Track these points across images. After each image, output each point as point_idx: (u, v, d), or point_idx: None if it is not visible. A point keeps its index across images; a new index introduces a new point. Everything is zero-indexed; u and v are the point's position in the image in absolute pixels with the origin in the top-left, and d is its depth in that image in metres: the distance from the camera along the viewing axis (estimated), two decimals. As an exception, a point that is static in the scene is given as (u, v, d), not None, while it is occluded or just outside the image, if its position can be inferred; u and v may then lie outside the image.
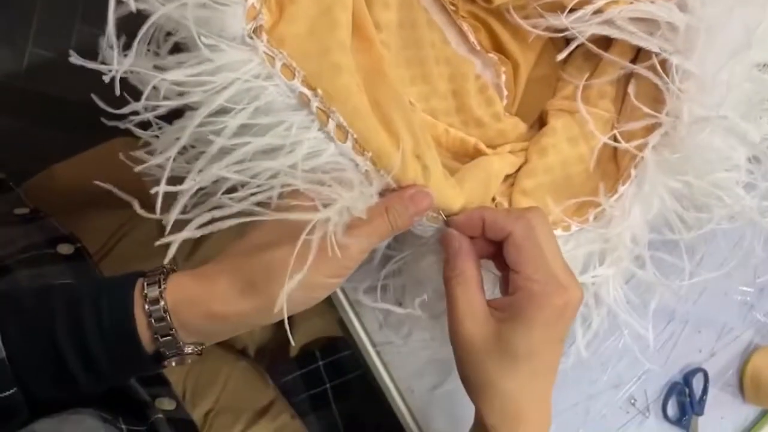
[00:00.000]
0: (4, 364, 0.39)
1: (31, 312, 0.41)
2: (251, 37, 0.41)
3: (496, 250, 0.48)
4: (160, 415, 0.50)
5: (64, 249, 0.61)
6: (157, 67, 0.41)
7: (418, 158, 0.46)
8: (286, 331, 0.70)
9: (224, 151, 0.42)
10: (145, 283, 0.43)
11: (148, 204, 0.74)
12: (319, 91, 0.42)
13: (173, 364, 0.44)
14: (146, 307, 0.41)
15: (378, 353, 0.59)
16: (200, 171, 0.42)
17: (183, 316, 0.42)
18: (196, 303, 0.42)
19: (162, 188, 0.42)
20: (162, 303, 0.42)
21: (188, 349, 0.43)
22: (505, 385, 0.46)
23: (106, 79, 0.41)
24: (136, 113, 0.42)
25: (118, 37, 0.40)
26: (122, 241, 0.73)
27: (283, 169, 0.43)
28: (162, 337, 0.42)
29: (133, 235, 0.74)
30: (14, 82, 1.26)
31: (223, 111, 0.41)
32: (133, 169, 0.77)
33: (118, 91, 0.41)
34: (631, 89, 0.52)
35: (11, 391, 0.40)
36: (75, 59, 0.41)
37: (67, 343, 0.40)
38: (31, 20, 1.25)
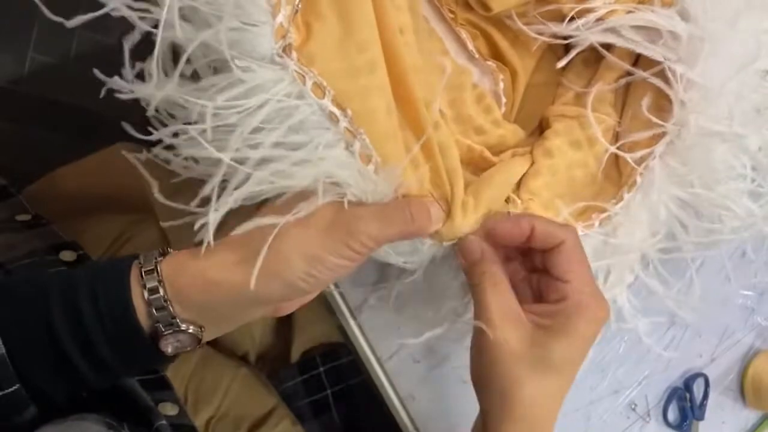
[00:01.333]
0: (4, 360, 0.39)
1: (27, 303, 0.40)
2: (281, 56, 0.41)
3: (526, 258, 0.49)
4: (164, 422, 0.50)
5: (67, 256, 0.61)
6: (195, 92, 0.41)
7: (436, 187, 0.47)
8: (287, 336, 0.70)
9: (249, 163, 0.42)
10: (142, 257, 0.42)
11: (150, 208, 0.74)
12: (349, 112, 0.43)
13: (169, 348, 0.42)
14: (142, 279, 0.41)
15: (379, 360, 0.59)
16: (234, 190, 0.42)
17: (177, 284, 0.41)
18: (192, 269, 0.41)
19: (211, 217, 0.41)
20: (157, 274, 0.41)
21: (185, 327, 0.42)
22: (533, 392, 0.45)
23: (146, 106, 0.41)
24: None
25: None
26: (125, 247, 0.73)
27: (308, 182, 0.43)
28: (157, 310, 0.40)
29: (135, 241, 0.74)
30: (15, 88, 1.26)
31: (255, 129, 0.41)
32: (133, 174, 0.77)
33: (152, 113, 0.41)
34: (643, 101, 0.52)
35: (14, 387, 0.39)
36: (102, 76, 0.41)
37: (64, 327, 0.39)
38: (32, 26, 1.25)
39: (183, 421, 0.55)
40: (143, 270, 0.41)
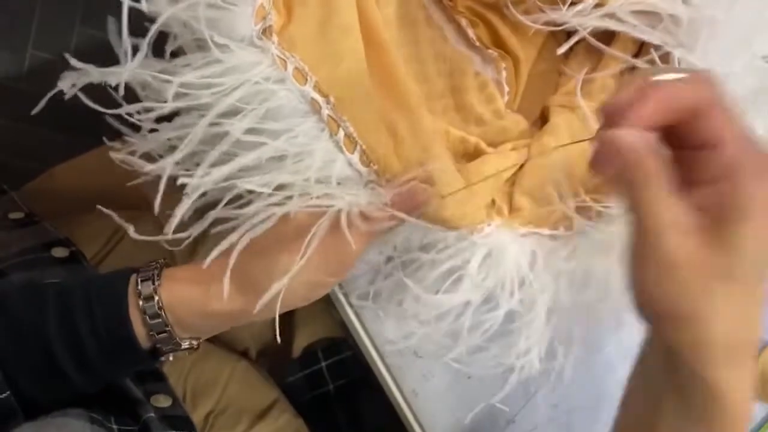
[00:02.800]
0: None
1: (21, 317, 0.41)
2: (260, 38, 0.40)
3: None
4: (152, 414, 0.50)
5: (59, 252, 0.61)
6: (163, 71, 0.41)
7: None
8: (287, 331, 0.70)
9: (230, 154, 0.42)
10: (139, 279, 0.43)
11: (146, 204, 0.74)
12: (332, 99, 0.42)
13: (170, 358, 0.44)
14: (140, 304, 0.41)
15: (381, 356, 0.59)
16: (208, 172, 0.41)
17: (178, 313, 0.42)
18: (192, 301, 0.43)
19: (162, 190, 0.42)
20: (156, 300, 0.42)
21: (185, 344, 0.44)
22: (733, 312, 0.33)
23: (112, 82, 0.41)
24: (127, 114, 0.42)
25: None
26: (121, 243, 0.73)
27: (297, 182, 0.43)
28: (158, 333, 0.42)
29: (131, 238, 0.73)
30: (14, 85, 1.26)
31: (230, 113, 0.41)
32: (132, 171, 0.77)
33: (122, 93, 0.41)
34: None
35: (4, 395, 0.40)
36: (76, 63, 0.41)
37: (63, 350, 0.40)
38: (31, 22, 1.25)
39: (177, 412, 0.55)
40: (142, 295, 0.42)
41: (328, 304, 0.60)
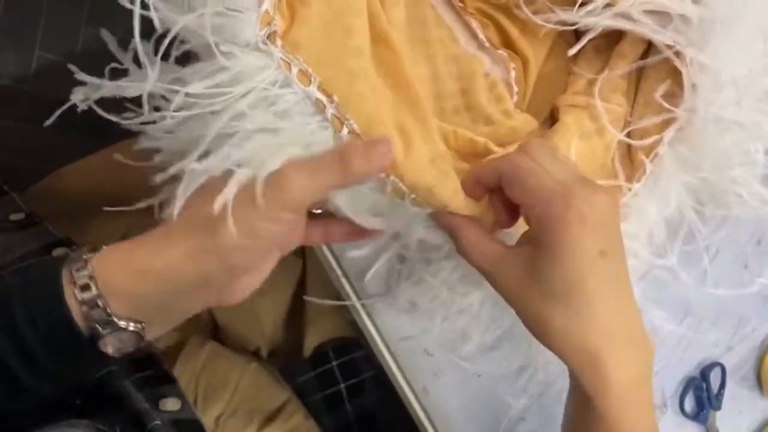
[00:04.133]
0: None
1: None
2: (265, 43, 0.40)
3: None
4: (158, 422, 0.49)
5: (60, 252, 0.60)
6: (174, 81, 0.41)
7: (432, 163, 0.45)
8: (298, 331, 0.70)
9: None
10: (71, 255, 0.40)
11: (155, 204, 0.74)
12: (335, 98, 0.42)
13: (109, 349, 0.40)
14: (72, 277, 0.39)
15: (392, 354, 0.59)
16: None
17: (108, 278, 0.39)
18: (122, 259, 0.40)
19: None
20: (87, 268, 0.39)
21: (124, 325, 0.40)
22: (565, 325, 0.40)
23: (132, 93, 0.40)
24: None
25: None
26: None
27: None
28: (91, 309, 0.38)
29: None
30: (21, 86, 1.26)
31: (239, 116, 0.41)
32: (140, 171, 0.77)
33: (146, 110, 0.41)
34: (659, 88, 0.51)
35: None
36: (87, 78, 0.41)
37: (3, 338, 0.38)
38: (38, 23, 1.25)
39: (186, 416, 0.54)
40: (73, 269, 0.39)
41: (338, 304, 0.61)
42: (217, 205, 0.38)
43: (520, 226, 0.45)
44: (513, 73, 0.53)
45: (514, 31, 0.53)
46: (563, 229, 0.39)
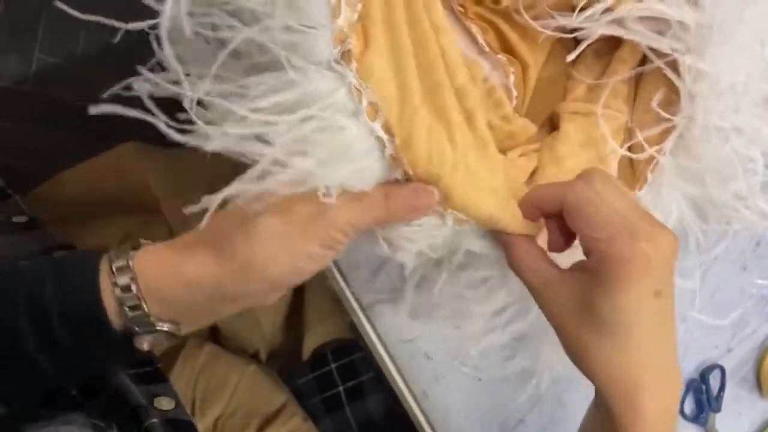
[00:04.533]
0: None
1: None
2: (339, 63, 0.39)
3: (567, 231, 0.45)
4: (155, 420, 0.49)
5: (60, 255, 0.60)
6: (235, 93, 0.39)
7: (493, 192, 0.45)
8: (297, 333, 0.70)
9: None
10: (113, 253, 0.40)
11: (156, 209, 0.74)
12: (397, 140, 0.41)
13: (145, 345, 0.40)
14: (113, 276, 0.38)
15: (391, 358, 0.59)
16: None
17: (151, 282, 0.39)
18: (168, 267, 0.40)
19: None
20: (130, 269, 0.39)
21: (162, 327, 0.40)
22: (608, 359, 0.41)
23: (186, 104, 0.39)
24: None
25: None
26: (131, 250, 0.72)
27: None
28: (130, 309, 0.38)
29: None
30: (22, 88, 1.26)
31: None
32: (141, 174, 0.77)
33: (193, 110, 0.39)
34: (655, 96, 0.51)
35: None
36: (151, 75, 0.39)
37: (28, 328, 0.38)
38: (38, 26, 1.25)
39: (179, 416, 0.54)
40: (114, 267, 0.39)
41: (337, 305, 0.61)
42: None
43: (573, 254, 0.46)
44: (512, 78, 0.53)
45: (513, 36, 0.53)
46: (625, 267, 0.39)
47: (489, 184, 0.46)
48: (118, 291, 0.38)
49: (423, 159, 0.42)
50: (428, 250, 0.47)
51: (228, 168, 0.41)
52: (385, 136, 0.41)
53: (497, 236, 0.47)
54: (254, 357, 0.76)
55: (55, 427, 0.41)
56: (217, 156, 0.40)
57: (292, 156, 0.39)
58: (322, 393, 0.74)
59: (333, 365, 0.74)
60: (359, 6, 0.40)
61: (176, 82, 0.39)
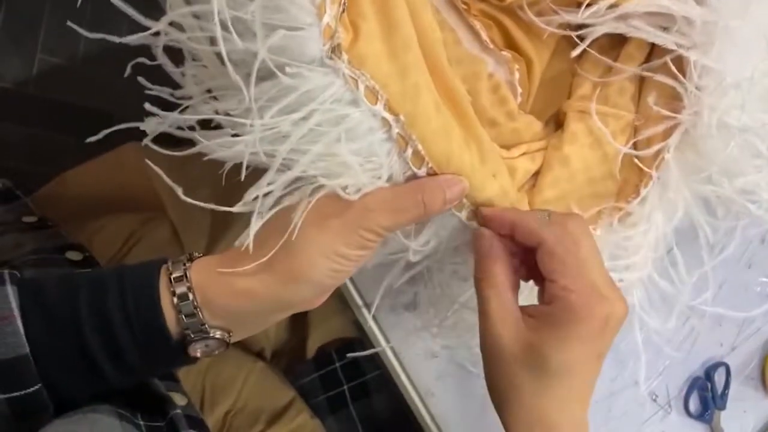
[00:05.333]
0: (27, 360, 0.39)
1: (56, 306, 0.40)
2: (330, 57, 0.40)
3: (529, 255, 0.46)
4: (179, 411, 0.50)
5: (73, 255, 0.61)
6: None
7: (494, 177, 0.46)
8: (301, 331, 0.70)
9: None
10: (171, 263, 0.42)
11: (161, 206, 0.74)
12: (402, 117, 0.42)
13: (198, 353, 0.43)
14: (171, 285, 0.41)
15: (396, 356, 0.59)
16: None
17: (208, 293, 0.41)
18: (221, 279, 0.42)
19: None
20: (186, 279, 0.41)
21: (213, 333, 0.42)
22: (535, 400, 0.43)
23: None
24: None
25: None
26: (135, 248, 0.73)
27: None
28: (187, 317, 0.41)
29: (146, 241, 0.74)
30: (24, 89, 1.26)
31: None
32: (143, 174, 0.77)
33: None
34: (651, 95, 0.52)
35: (35, 387, 0.39)
36: (157, 111, 0.41)
37: (93, 333, 0.39)
38: (39, 27, 1.25)
39: (190, 412, 0.55)
40: (172, 277, 0.41)
41: (342, 304, 0.61)
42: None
43: None
44: (517, 75, 0.53)
45: (518, 33, 0.53)
46: (585, 325, 0.42)
47: (488, 170, 0.47)
48: (176, 300, 0.41)
49: (432, 133, 0.43)
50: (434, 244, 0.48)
51: (231, 167, 0.43)
52: (389, 116, 0.42)
53: (480, 247, 0.47)
54: (259, 355, 0.76)
55: (83, 414, 0.42)
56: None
57: (301, 151, 0.41)
58: (327, 392, 0.73)
59: (338, 364, 0.74)
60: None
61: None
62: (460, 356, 0.59)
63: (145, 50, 0.42)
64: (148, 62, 0.42)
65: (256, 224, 0.41)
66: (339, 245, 0.42)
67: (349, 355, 0.73)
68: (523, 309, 0.45)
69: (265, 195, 0.42)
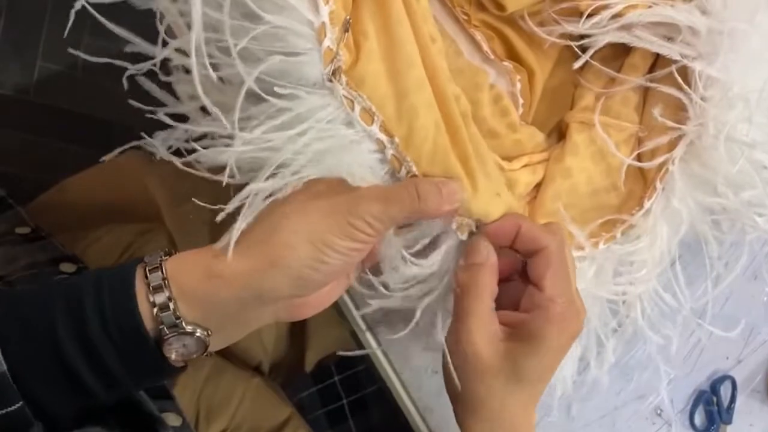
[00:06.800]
0: (5, 377, 0.37)
1: (33, 318, 0.39)
2: (330, 80, 0.40)
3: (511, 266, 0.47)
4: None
5: (67, 268, 0.60)
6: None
7: (499, 196, 0.46)
8: (300, 345, 0.69)
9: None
10: (147, 258, 0.41)
11: (159, 217, 0.73)
12: (396, 139, 0.42)
13: (174, 354, 0.40)
14: (146, 278, 0.39)
15: (395, 371, 0.58)
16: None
17: (182, 280, 0.39)
18: (195, 263, 0.40)
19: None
20: (162, 272, 0.39)
21: (189, 328, 0.40)
22: (505, 406, 0.44)
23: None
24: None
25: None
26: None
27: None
28: (161, 310, 0.39)
29: (142, 253, 0.72)
30: (24, 96, 1.26)
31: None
32: (142, 182, 0.76)
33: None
34: (656, 106, 0.51)
35: (16, 405, 0.38)
36: (169, 120, 0.42)
37: (69, 338, 0.38)
38: (40, 34, 1.25)
39: None
40: (148, 269, 0.40)
41: (340, 317, 0.60)
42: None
43: None
44: (518, 85, 0.52)
45: (519, 43, 0.52)
46: (560, 337, 0.43)
47: (491, 188, 0.46)
48: (150, 292, 0.39)
49: (428, 155, 0.42)
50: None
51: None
52: (384, 137, 0.42)
53: (472, 252, 0.46)
54: (256, 370, 0.75)
55: None
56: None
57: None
58: (326, 406, 0.73)
59: (336, 378, 0.73)
60: (347, 17, 0.40)
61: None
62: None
63: (147, 59, 0.42)
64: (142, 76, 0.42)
65: (243, 221, 0.40)
66: (323, 230, 0.39)
67: (340, 353, 0.71)
68: (501, 315, 0.45)
69: (256, 194, 0.41)
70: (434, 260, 0.46)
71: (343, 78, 0.40)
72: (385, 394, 0.61)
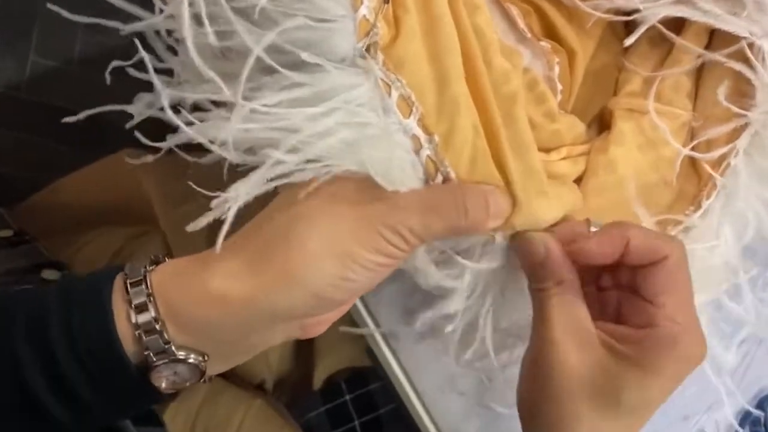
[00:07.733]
0: None
1: None
2: (364, 57, 0.34)
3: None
4: None
5: (49, 275, 0.56)
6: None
7: (544, 194, 0.40)
8: (307, 360, 0.64)
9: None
10: (128, 268, 0.34)
11: (154, 217, 0.70)
12: (436, 138, 0.36)
13: (163, 383, 0.35)
14: (127, 294, 0.33)
15: (416, 392, 0.53)
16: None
17: (172, 299, 0.33)
18: (190, 278, 0.34)
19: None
20: (146, 287, 0.33)
21: (182, 354, 0.34)
22: (595, 428, 0.36)
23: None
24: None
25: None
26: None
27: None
28: (147, 333, 0.33)
29: (137, 256, 0.69)
30: (16, 93, 1.23)
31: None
32: (138, 181, 0.74)
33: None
34: (720, 88, 0.45)
35: None
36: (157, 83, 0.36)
37: (32, 365, 0.32)
38: (33, 29, 1.22)
39: None
40: (129, 282, 0.33)
41: (353, 329, 0.55)
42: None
43: None
44: (557, 69, 0.47)
45: (559, 20, 0.46)
46: (678, 365, 0.36)
47: (532, 190, 0.40)
48: (132, 312, 0.33)
49: (468, 161, 0.37)
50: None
51: (228, 177, 0.35)
52: (422, 134, 0.36)
53: (525, 251, 0.39)
54: (259, 387, 0.70)
55: None
56: (216, 164, 0.35)
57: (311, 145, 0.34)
58: (335, 428, 0.67)
59: (347, 396, 0.67)
60: None
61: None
62: (492, 395, 0.52)
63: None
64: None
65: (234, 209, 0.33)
66: (350, 242, 0.33)
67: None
68: (599, 326, 0.38)
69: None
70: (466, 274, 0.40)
71: (380, 56, 0.34)
72: (403, 415, 0.56)
